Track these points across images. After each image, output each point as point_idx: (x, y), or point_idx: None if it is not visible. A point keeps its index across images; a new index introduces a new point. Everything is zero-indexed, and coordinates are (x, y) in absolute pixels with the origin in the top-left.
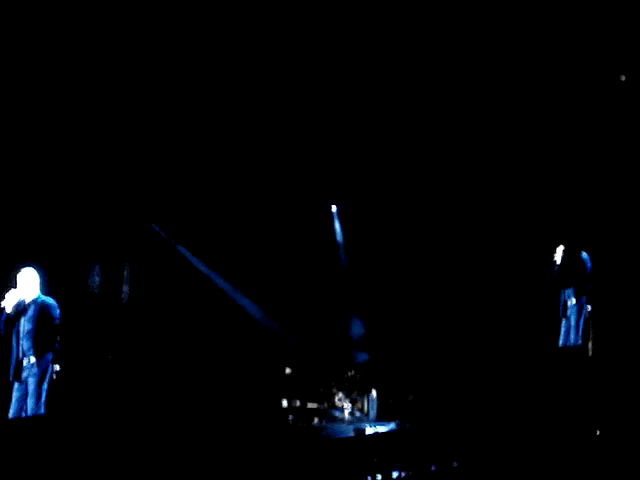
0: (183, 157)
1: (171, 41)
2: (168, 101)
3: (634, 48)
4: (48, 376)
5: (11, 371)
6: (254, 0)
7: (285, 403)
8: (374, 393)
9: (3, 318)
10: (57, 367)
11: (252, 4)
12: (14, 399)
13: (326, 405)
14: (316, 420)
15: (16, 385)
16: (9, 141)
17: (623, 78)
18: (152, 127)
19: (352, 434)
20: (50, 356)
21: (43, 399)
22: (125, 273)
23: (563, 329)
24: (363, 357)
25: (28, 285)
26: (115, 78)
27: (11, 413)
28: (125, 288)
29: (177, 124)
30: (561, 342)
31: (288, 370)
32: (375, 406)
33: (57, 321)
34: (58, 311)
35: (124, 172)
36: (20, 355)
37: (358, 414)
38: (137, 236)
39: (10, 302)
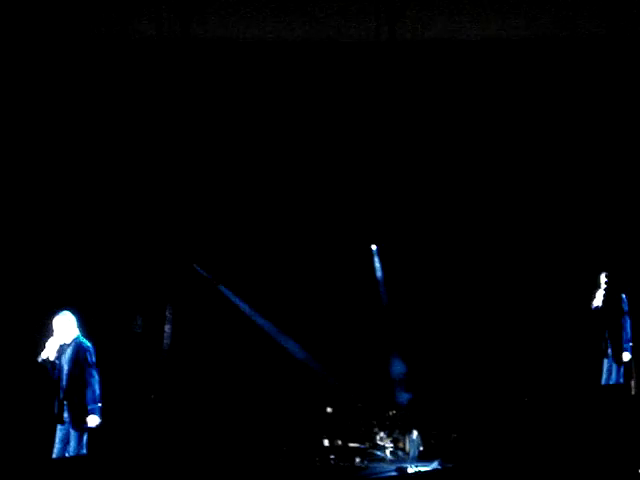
0: (225, 197)
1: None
2: (205, 140)
3: None
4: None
5: (54, 412)
6: None
7: (327, 442)
8: (415, 432)
9: (49, 367)
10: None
11: None
12: (57, 439)
13: (368, 444)
14: (358, 459)
15: (59, 426)
16: (53, 182)
17: None
18: (191, 166)
19: (394, 473)
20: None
21: (85, 440)
22: (167, 313)
23: (605, 367)
24: (405, 396)
25: (66, 329)
26: (156, 121)
27: (54, 453)
28: (167, 328)
29: (216, 165)
30: (603, 381)
31: (329, 409)
32: (417, 445)
33: (92, 363)
34: (92, 353)
35: (165, 212)
36: (62, 396)
37: (400, 453)
38: (179, 276)
39: (51, 350)
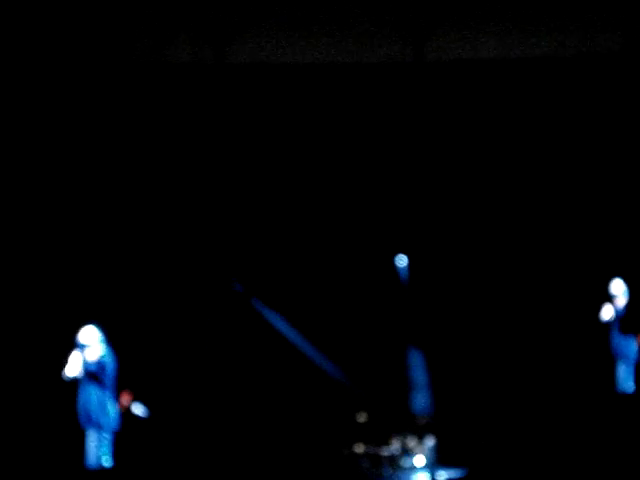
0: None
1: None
2: (240, 158)
3: None
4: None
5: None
6: None
7: (356, 449)
8: (434, 439)
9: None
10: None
11: None
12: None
13: (394, 452)
14: (385, 467)
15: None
16: (90, 199)
17: None
18: (226, 185)
19: None
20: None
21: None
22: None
23: (621, 374)
24: (428, 403)
25: (90, 343)
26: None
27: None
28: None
29: (249, 183)
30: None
31: (361, 418)
32: (434, 452)
33: (112, 375)
34: (113, 365)
35: (201, 227)
36: None
37: (425, 461)
38: (216, 291)
39: (75, 367)
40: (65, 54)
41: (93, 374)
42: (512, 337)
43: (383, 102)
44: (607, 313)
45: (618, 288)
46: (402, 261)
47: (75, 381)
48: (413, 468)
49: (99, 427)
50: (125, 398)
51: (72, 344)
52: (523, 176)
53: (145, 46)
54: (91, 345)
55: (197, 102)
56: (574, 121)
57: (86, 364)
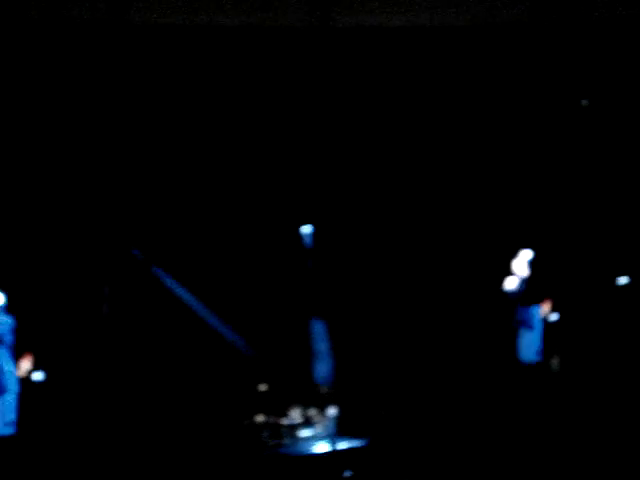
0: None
1: None
2: (136, 121)
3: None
4: None
5: None
6: None
7: (256, 419)
8: (336, 409)
9: None
10: None
11: None
12: None
13: (294, 422)
14: (285, 437)
15: None
16: None
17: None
18: (125, 149)
19: (322, 450)
20: None
21: None
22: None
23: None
24: (329, 373)
25: None
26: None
27: None
28: (104, 308)
29: (149, 146)
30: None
31: (262, 388)
32: (335, 422)
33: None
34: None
35: (101, 194)
36: None
37: (325, 430)
38: (116, 258)
39: None
40: None
41: None
42: (416, 306)
43: (286, 67)
44: (511, 283)
45: (522, 258)
46: (306, 230)
47: None
48: (313, 438)
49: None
50: (25, 362)
51: None
52: (423, 143)
53: (42, 3)
54: None
55: (95, 64)
56: (480, 91)
57: None
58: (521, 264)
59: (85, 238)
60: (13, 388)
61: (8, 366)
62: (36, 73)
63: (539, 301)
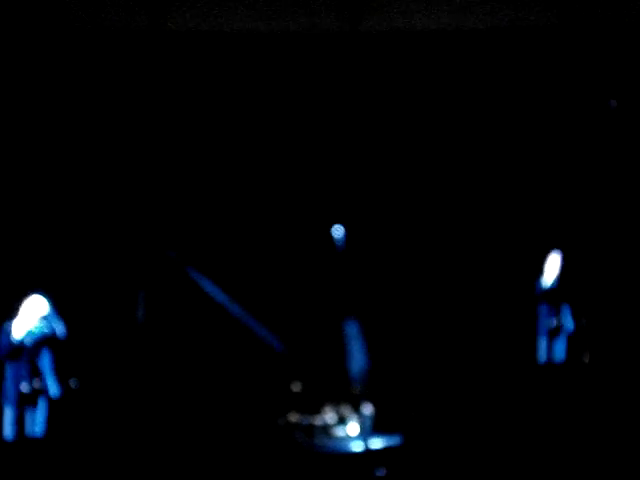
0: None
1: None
2: (173, 127)
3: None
4: None
5: None
6: None
7: (290, 418)
8: (370, 408)
9: None
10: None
11: None
12: None
13: (328, 421)
14: (319, 436)
15: None
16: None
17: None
18: (161, 153)
19: (356, 449)
20: None
21: None
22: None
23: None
24: (363, 372)
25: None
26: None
27: None
28: (139, 310)
29: (186, 150)
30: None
31: (295, 387)
32: (369, 421)
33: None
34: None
35: (137, 198)
36: None
37: (359, 429)
38: (151, 261)
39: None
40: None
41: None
42: (448, 306)
43: (316, 72)
44: (542, 283)
45: (553, 259)
46: (339, 230)
47: None
48: (347, 437)
49: None
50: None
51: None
52: (455, 147)
53: (80, 11)
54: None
55: (132, 70)
56: (509, 95)
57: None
58: (552, 265)
59: (119, 242)
60: (54, 393)
61: (50, 371)
62: (77, 81)
63: (568, 302)
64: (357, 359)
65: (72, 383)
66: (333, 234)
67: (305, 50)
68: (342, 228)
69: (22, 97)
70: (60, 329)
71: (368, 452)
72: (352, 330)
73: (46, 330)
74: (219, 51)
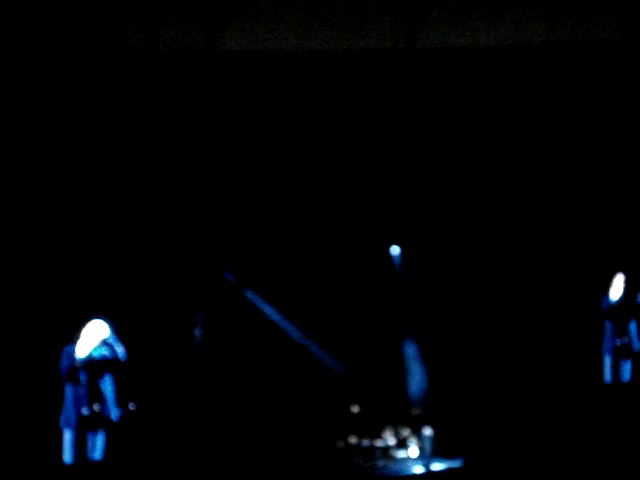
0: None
1: None
2: (230, 148)
3: None
4: None
5: None
6: None
7: (349, 441)
8: (430, 430)
9: None
10: None
11: None
12: None
13: (388, 443)
14: (379, 459)
15: None
16: (83, 190)
17: None
18: (217, 173)
19: (417, 472)
20: None
21: None
22: (197, 318)
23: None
24: (423, 394)
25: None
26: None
27: None
28: (197, 333)
29: (242, 172)
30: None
31: (355, 410)
32: (429, 443)
33: None
34: None
35: (193, 218)
36: None
37: (420, 451)
38: (208, 281)
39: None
40: (54, 37)
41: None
42: (508, 327)
43: (374, 90)
44: (608, 301)
45: (619, 278)
46: (396, 251)
47: None
48: (407, 459)
49: None
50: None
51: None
52: (518, 165)
53: (134, 32)
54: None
55: (186, 90)
56: (571, 110)
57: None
58: (618, 282)
59: (178, 265)
60: (114, 416)
61: (111, 395)
62: (130, 100)
63: (635, 319)
64: (416, 380)
65: (132, 407)
66: (391, 254)
67: (360, 68)
68: (399, 248)
69: (78, 115)
70: (121, 352)
71: (429, 474)
72: (411, 351)
73: (107, 354)
74: (274, 71)
